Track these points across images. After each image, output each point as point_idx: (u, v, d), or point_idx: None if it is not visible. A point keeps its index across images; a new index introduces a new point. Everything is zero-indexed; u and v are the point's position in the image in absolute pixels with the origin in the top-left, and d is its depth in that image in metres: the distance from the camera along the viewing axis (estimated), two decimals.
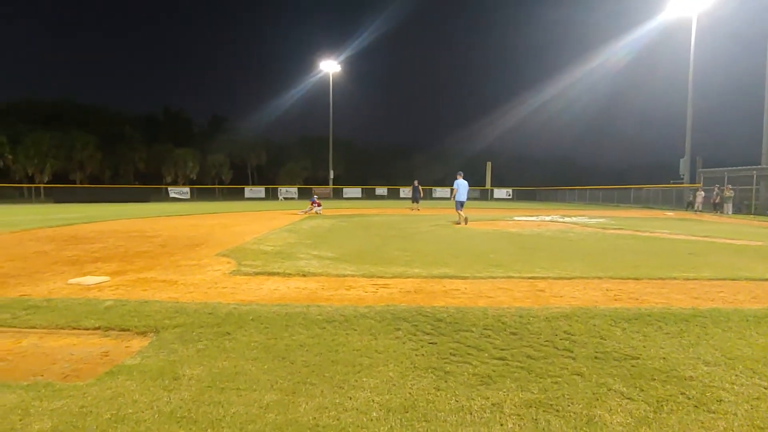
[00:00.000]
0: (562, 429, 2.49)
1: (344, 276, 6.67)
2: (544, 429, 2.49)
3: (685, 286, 6.17)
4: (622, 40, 58.02)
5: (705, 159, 36.49)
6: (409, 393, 2.90)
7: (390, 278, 6.52)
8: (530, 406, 2.73)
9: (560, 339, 3.90)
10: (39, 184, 47.84)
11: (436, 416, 2.61)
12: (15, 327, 4.26)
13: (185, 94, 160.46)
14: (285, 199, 48.61)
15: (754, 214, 26.56)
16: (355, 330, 4.12)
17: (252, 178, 70.91)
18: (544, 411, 2.67)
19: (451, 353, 3.57)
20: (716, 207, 28.73)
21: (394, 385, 3.02)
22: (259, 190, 52.70)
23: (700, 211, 29.00)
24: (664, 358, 3.49)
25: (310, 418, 2.59)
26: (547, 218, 20.80)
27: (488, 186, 61.65)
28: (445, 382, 3.06)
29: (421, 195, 29.18)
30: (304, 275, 6.67)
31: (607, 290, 5.86)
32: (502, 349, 3.66)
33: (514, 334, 4.04)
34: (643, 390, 2.95)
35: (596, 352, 3.60)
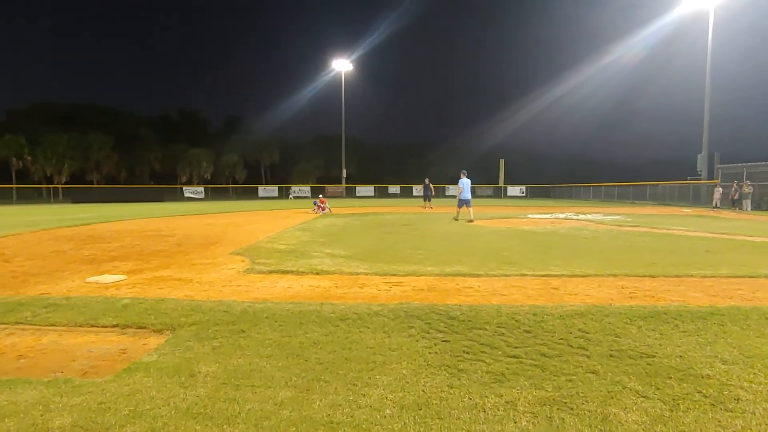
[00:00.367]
0: (577, 427, 2.48)
1: (357, 274, 6.69)
2: (558, 427, 2.48)
3: (702, 283, 6.08)
4: (638, 35, 57.30)
5: (723, 154, 35.79)
6: (423, 390, 2.90)
7: (403, 276, 6.52)
8: (544, 404, 2.72)
9: (575, 337, 3.88)
10: (57, 184, 48.74)
11: (450, 414, 2.62)
12: (35, 324, 4.35)
13: (200, 94, 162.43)
14: (295, 198, 48.78)
15: None
16: (369, 328, 4.13)
17: (265, 177, 71.41)
18: (558, 409, 2.66)
19: (464, 351, 3.57)
20: (734, 203, 28.22)
21: (408, 382, 3.02)
22: (273, 189, 53.01)
23: (718, 207, 28.53)
24: (680, 356, 3.45)
25: (324, 415, 2.61)
26: (561, 216, 20.62)
27: (501, 183, 61.26)
28: (459, 379, 3.06)
29: (433, 193, 29.09)
30: (317, 273, 6.71)
31: (622, 288, 5.80)
32: (516, 347, 3.64)
33: (527, 332, 4.02)
34: (658, 388, 2.92)
35: (611, 350, 3.57)
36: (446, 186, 55.93)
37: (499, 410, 2.66)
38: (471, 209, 17.07)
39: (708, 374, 3.14)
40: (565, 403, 2.73)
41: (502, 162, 63.20)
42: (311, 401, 2.77)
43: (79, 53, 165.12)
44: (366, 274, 6.70)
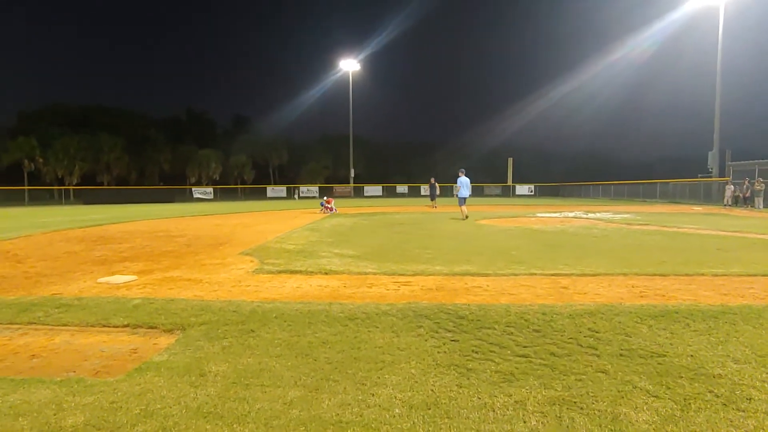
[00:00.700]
0: (587, 427, 2.47)
1: (366, 274, 6.70)
2: (568, 427, 2.47)
3: (713, 282, 6.02)
4: (647, 31, 56.61)
5: (734, 151, 35.35)
6: (432, 390, 2.90)
7: (411, 276, 6.52)
8: (554, 404, 2.71)
9: (584, 336, 3.86)
10: (68, 186, 49.26)
11: (459, 413, 2.61)
12: (48, 324, 4.41)
13: (208, 95, 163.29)
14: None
15: None
16: (377, 327, 4.14)
17: (273, 177, 71.60)
18: (567, 408, 2.65)
19: (473, 350, 3.57)
20: (746, 201, 27.89)
21: (416, 382, 3.03)
22: (281, 190, 53.16)
23: (730, 205, 28.21)
24: (691, 356, 3.42)
25: (333, 414, 2.62)
26: (571, 214, 20.50)
27: (510, 182, 60.96)
28: (468, 379, 3.06)
29: (438, 192, 29.00)
30: (326, 273, 6.73)
31: (632, 287, 5.76)
32: (525, 347, 3.63)
33: (537, 331, 4.01)
34: (669, 388, 2.90)
35: (621, 350, 3.55)
36: (454, 185, 55.72)
37: (508, 410, 2.65)
38: (464, 207, 17.35)
39: (720, 374, 3.11)
40: (575, 402, 2.72)
41: (510, 161, 62.88)
42: (320, 401, 2.78)
43: (88, 56, 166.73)
44: (374, 273, 6.71)
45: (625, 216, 19.28)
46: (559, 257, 8.00)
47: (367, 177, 65.42)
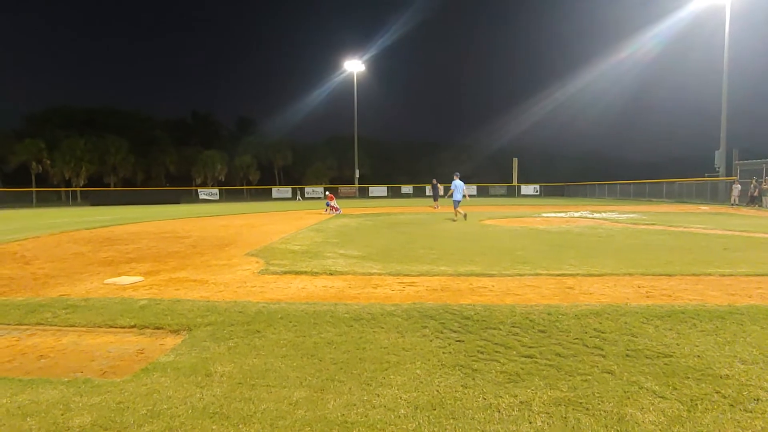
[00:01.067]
0: (593, 427, 2.46)
1: (371, 274, 6.70)
2: (573, 427, 2.47)
3: (720, 282, 5.98)
4: (652, 30, 56.21)
5: (741, 150, 35.09)
6: (437, 390, 2.90)
7: (416, 276, 6.52)
8: (559, 404, 2.70)
9: (590, 337, 3.85)
10: (75, 187, 49.58)
11: (464, 414, 2.61)
12: (56, 325, 4.44)
13: (212, 96, 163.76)
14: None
15: None
16: (383, 328, 4.14)
17: (278, 178, 71.71)
18: (573, 409, 2.65)
19: (478, 351, 3.56)
20: (754, 200, 27.68)
21: (422, 382, 3.03)
22: (286, 191, 53.35)
23: (737, 204, 28.01)
24: (698, 356, 3.40)
25: (339, 414, 2.62)
26: (576, 214, 20.42)
27: (515, 182, 60.82)
28: (473, 379, 3.06)
29: (441, 193, 28.94)
30: (331, 274, 6.74)
31: (638, 287, 5.73)
32: (531, 347, 3.62)
33: (542, 331, 4.00)
34: (676, 388, 2.89)
35: (627, 350, 3.54)
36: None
37: (513, 410, 2.65)
38: (457, 210, 17.65)
39: (727, 374, 3.09)
40: (581, 403, 2.71)
41: (515, 161, 62.73)
42: (326, 401, 2.78)
43: (94, 58, 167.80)
44: (379, 274, 6.72)
45: (631, 216, 19.18)
46: (564, 257, 7.98)
47: (372, 177, 65.40)
